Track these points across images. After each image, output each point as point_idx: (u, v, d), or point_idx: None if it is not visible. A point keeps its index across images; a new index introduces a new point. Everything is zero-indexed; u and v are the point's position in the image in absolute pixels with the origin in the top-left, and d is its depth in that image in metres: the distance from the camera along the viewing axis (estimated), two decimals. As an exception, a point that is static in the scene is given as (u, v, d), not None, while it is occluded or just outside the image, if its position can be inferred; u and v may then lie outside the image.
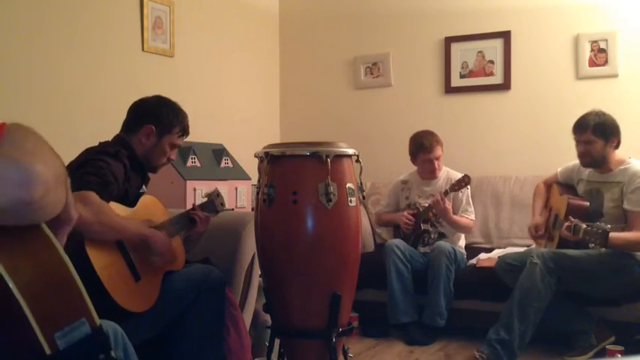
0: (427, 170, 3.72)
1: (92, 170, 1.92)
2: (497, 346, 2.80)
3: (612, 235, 2.69)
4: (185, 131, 2.30)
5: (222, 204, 2.47)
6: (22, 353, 0.92)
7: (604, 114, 3.06)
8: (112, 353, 0.99)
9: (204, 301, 2.07)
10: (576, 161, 3.26)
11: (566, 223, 2.86)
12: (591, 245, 2.71)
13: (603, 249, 2.68)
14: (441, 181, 3.71)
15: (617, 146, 3.07)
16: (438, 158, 3.67)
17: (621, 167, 3.03)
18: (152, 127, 2.20)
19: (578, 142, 3.09)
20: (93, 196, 1.81)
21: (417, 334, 3.36)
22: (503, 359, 2.79)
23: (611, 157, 3.05)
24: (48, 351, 0.89)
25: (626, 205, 2.96)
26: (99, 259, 1.79)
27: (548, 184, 3.44)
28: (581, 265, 2.89)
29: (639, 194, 2.92)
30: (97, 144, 2.17)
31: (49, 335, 0.89)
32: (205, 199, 2.46)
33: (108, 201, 1.90)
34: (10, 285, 0.86)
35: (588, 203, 3.08)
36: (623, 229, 2.92)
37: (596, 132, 3.00)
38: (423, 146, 3.66)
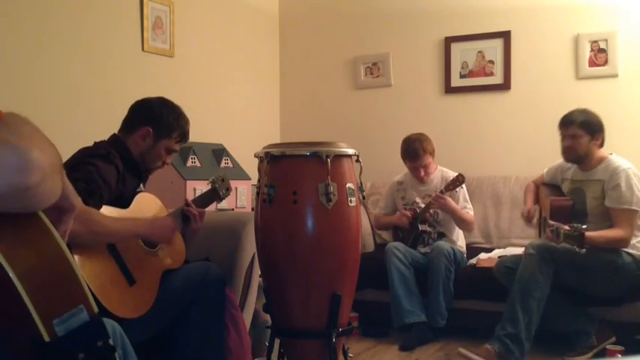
0: (414, 176, 3.75)
1: (80, 176, 1.87)
2: (507, 340, 2.82)
3: (590, 234, 2.69)
4: (184, 137, 2.26)
5: (228, 189, 2.39)
6: (20, 340, 0.92)
7: (589, 111, 3.11)
8: (110, 341, 0.99)
9: (203, 299, 2.06)
10: (559, 161, 3.28)
11: (548, 229, 2.86)
12: (575, 248, 2.66)
13: (584, 250, 2.65)
14: (435, 180, 3.72)
15: (601, 144, 3.09)
16: (424, 166, 3.67)
17: (602, 165, 3.06)
18: (149, 129, 2.16)
19: (564, 136, 3.12)
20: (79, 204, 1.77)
21: (420, 335, 3.34)
22: (514, 352, 2.81)
23: (594, 154, 3.08)
24: (47, 338, 0.89)
25: (607, 203, 2.98)
26: (89, 268, 1.75)
27: (537, 185, 3.46)
28: (577, 260, 2.89)
29: (619, 191, 2.94)
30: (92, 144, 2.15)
31: (48, 322, 0.89)
32: (209, 187, 2.40)
33: (98, 206, 1.86)
34: (10, 273, 0.87)
35: (571, 202, 3.09)
36: (609, 227, 2.93)
37: (582, 127, 3.05)
38: (408, 154, 3.68)
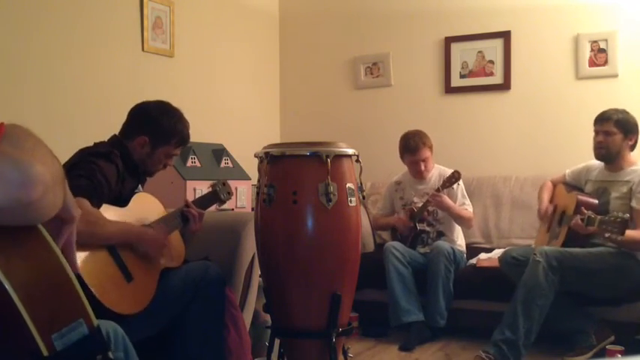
0: (413, 171, 3.74)
1: (83, 173, 1.89)
2: (503, 346, 2.80)
3: (627, 231, 2.71)
4: (184, 141, 2.26)
5: (229, 192, 2.41)
6: (19, 355, 0.91)
7: (627, 112, 3.14)
8: (110, 354, 0.99)
9: (202, 298, 2.06)
10: (585, 163, 3.28)
11: (579, 216, 2.87)
12: (607, 235, 2.72)
13: (620, 237, 2.68)
14: (433, 178, 3.72)
15: (633, 147, 3.10)
16: (424, 160, 3.66)
17: (632, 167, 3.07)
18: (146, 138, 2.16)
19: (597, 132, 3.13)
20: (84, 203, 1.77)
21: (419, 334, 3.34)
22: (510, 358, 2.80)
23: (624, 155, 3.09)
24: (45, 352, 0.88)
25: (634, 204, 2.98)
26: (86, 264, 1.76)
27: (555, 184, 3.45)
28: (584, 264, 2.90)
29: None
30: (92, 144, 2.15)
31: (46, 337, 0.89)
32: (209, 190, 2.41)
33: (99, 204, 1.88)
34: (7, 286, 0.86)
35: (597, 201, 3.10)
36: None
37: (617, 125, 3.07)
38: (408, 147, 3.67)
